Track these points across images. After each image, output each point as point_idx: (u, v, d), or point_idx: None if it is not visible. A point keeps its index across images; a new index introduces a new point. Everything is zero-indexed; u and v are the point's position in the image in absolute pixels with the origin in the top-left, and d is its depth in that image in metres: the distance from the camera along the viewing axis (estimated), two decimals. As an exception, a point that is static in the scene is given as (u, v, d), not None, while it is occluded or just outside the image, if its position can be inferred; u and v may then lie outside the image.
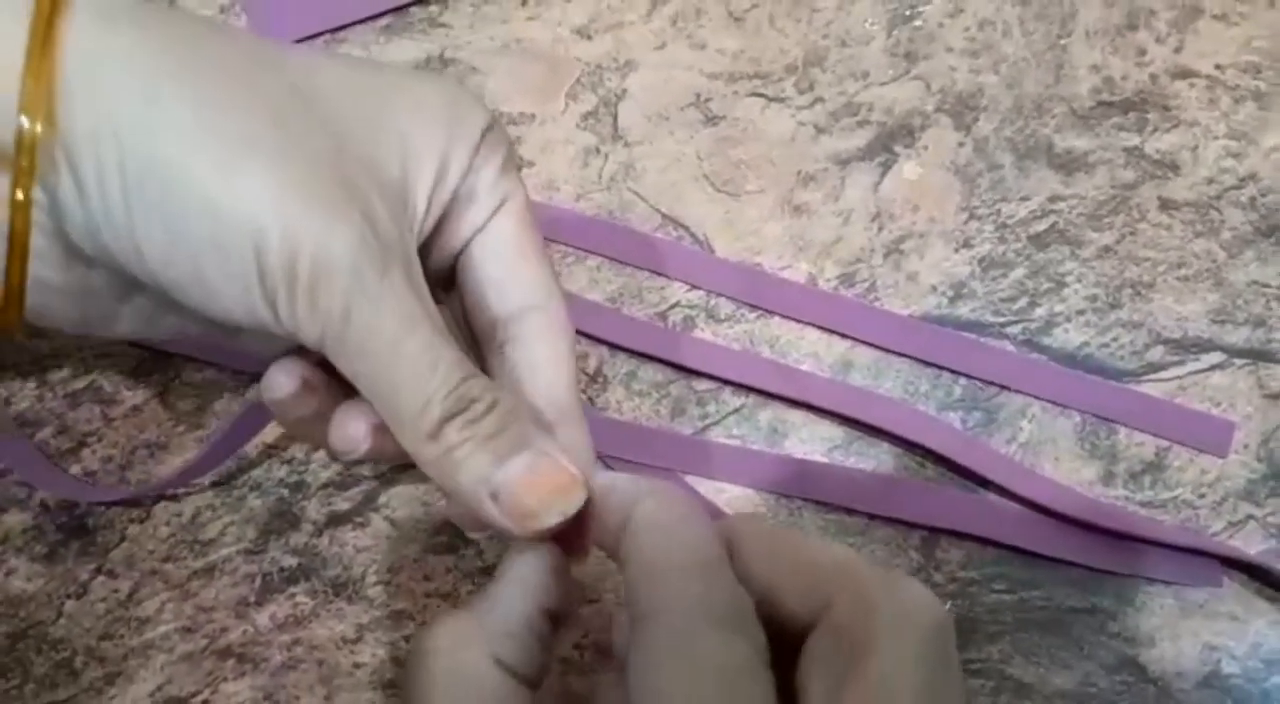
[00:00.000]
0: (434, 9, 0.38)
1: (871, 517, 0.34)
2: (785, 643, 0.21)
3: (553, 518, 0.23)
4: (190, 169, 0.21)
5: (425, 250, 0.25)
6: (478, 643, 0.22)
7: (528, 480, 0.23)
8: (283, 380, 0.25)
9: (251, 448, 0.35)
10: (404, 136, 0.24)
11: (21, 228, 0.22)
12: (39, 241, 0.22)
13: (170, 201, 0.21)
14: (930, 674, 0.19)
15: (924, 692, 0.19)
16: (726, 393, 0.35)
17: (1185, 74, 0.36)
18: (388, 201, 0.23)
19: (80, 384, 0.35)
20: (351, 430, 0.25)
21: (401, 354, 0.22)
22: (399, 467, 0.35)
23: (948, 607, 0.33)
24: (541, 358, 0.25)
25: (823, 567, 0.21)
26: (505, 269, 0.26)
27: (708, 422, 0.35)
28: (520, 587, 0.23)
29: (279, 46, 0.24)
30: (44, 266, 0.23)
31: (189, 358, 0.35)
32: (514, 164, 0.26)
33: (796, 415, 0.35)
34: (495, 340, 0.26)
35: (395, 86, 0.24)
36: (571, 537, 0.24)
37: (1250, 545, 0.33)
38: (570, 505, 0.23)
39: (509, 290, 0.26)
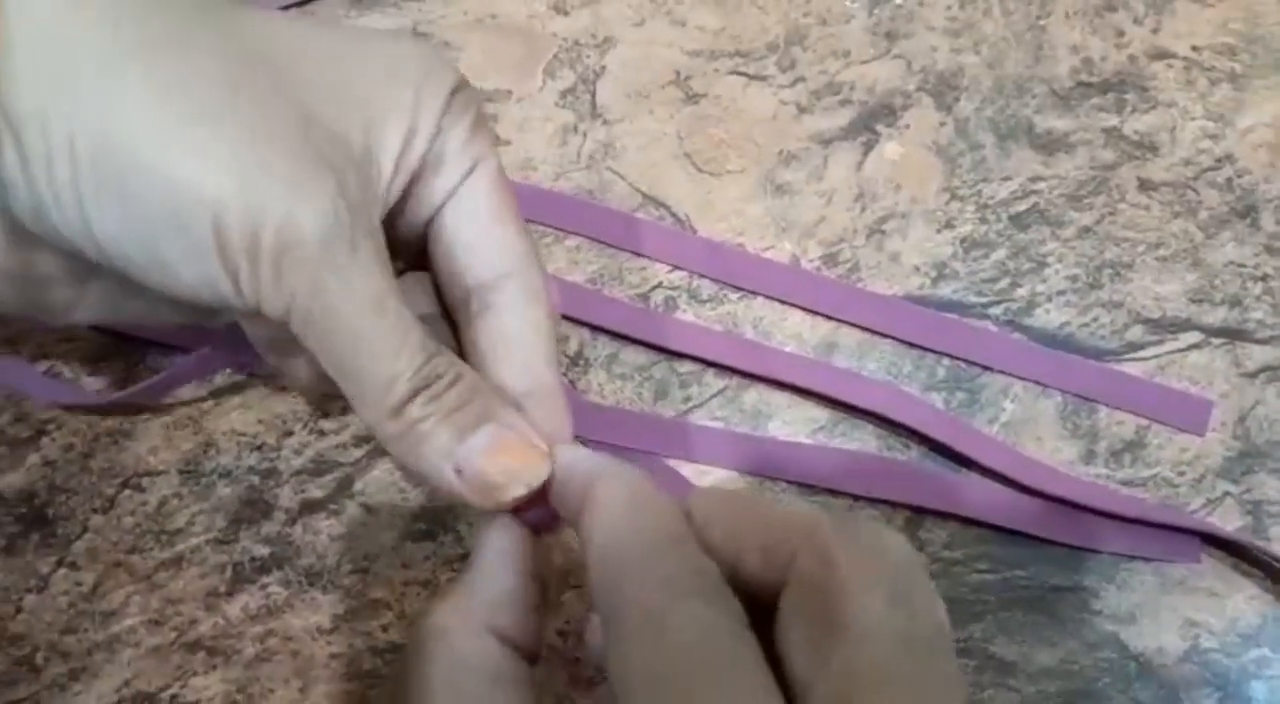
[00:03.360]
0: (405, -18, 0.36)
1: (855, 498, 0.34)
2: (763, 609, 0.20)
3: (517, 490, 0.23)
4: (145, 143, 0.20)
5: (394, 218, 0.24)
6: (473, 620, 0.22)
7: (490, 453, 0.22)
8: None
9: (219, 434, 0.34)
10: (368, 102, 0.23)
11: None
12: None
13: (123, 178, 0.20)
14: (907, 612, 0.18)
15: (905, 631, 0.18)
16: (709, 375, 0.34)
17: (1163, 55, 0.36)
18: (354, 171, 0.22)
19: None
20: None
21: (368, 332, 0.22)
22: (373, 452, 0.34)
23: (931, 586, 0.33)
24: (517, 328, 0.25)
25: (781, 525, 0.21)
26: (478, 235, 0.25)
27: (691, 404, 0.34)
28: (502, 555, 0.23)
29: (240, 10, 0.23)
30: None
31: (153, 342, 0.34)
32: (485, 126, 0.25)
33: (780, 397, 0.34)
34: (469, 310, 0.25)
35: (358, 50, 0.24)
36: (540, 513, 0.24)
37: (1228, 522, 0.33)
38: (535, 477, 0.23)
39: (482, 257, 0.25)
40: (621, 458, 0.23)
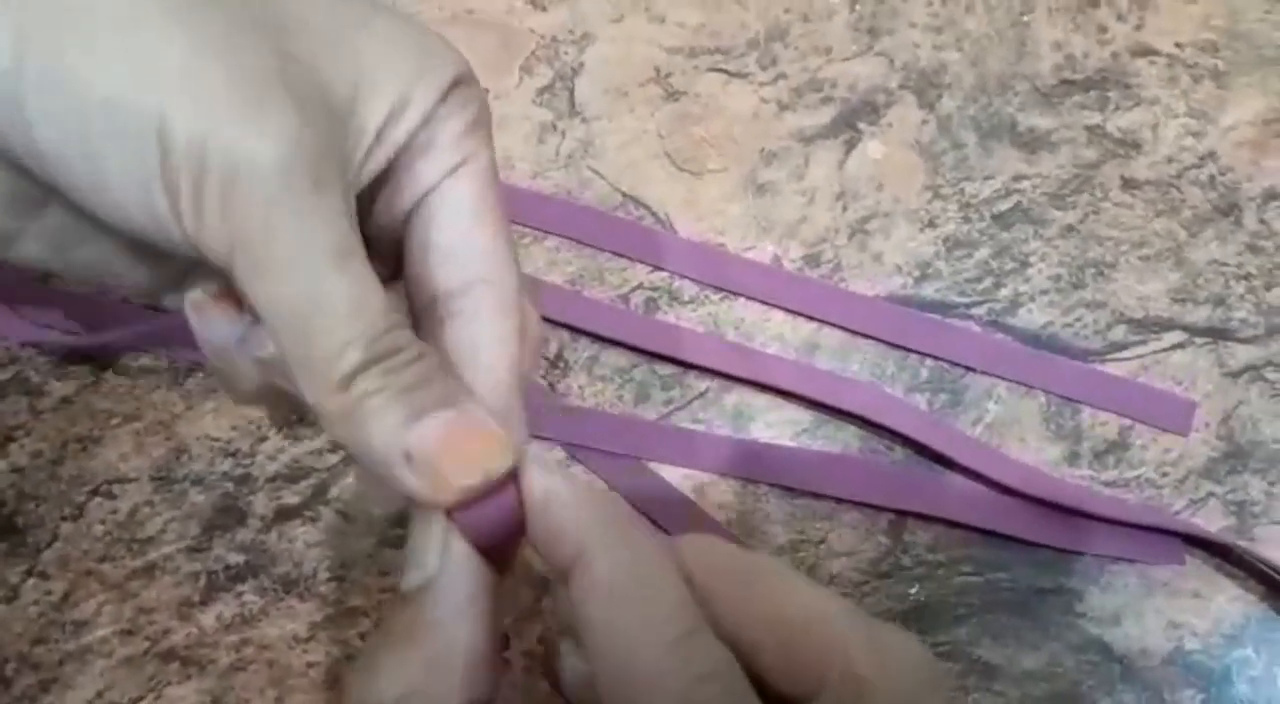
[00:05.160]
0: (379, -23, 0.36)
1: (839, 500, 0.33)
2: (760, 686, 0.20)
3: (474, 477, 0.20)
4: (94, 38, 0.18)
5: (370, 206, 0.23)
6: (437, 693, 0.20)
7: (446, 439, 0.20)
8: (201, 287, 0.23)
9: (192, 439, 0.33)
10: (362, 57, 0.21)
11: None
12: None
13: (68, 74, 0.18)
14: None
15: None
16: (691, 377, 0.34)
17: (1146, 52, 0.36)
18: (329, 118, 0.20)
19: (4, 375, 0.33)
20: None
21: (324, 286, 0.19)
22: (349, 458, 0.33)
23: (914, 590, 0.33)
24: (484, 339, 0.23)
25: (806, 634, 0.20)
26: (455, 238, 0.23)
27: (672, 407, 0.34)
28: (465, 610, 0.21)
29: None
30: None
31: (125, 347, 0.33)
32: (486, 127, 0.23)
33: (762, 399, 0.34)
34: (435, 316, 0.23)
35: (365, 15, 0.22)
36: (496, 545, 0.21)
37: (1211, 523, 0.33)
38: (495, 467, 0.20)
39: (457, 260, 0.23)
40: (604, 468, 0.22)
